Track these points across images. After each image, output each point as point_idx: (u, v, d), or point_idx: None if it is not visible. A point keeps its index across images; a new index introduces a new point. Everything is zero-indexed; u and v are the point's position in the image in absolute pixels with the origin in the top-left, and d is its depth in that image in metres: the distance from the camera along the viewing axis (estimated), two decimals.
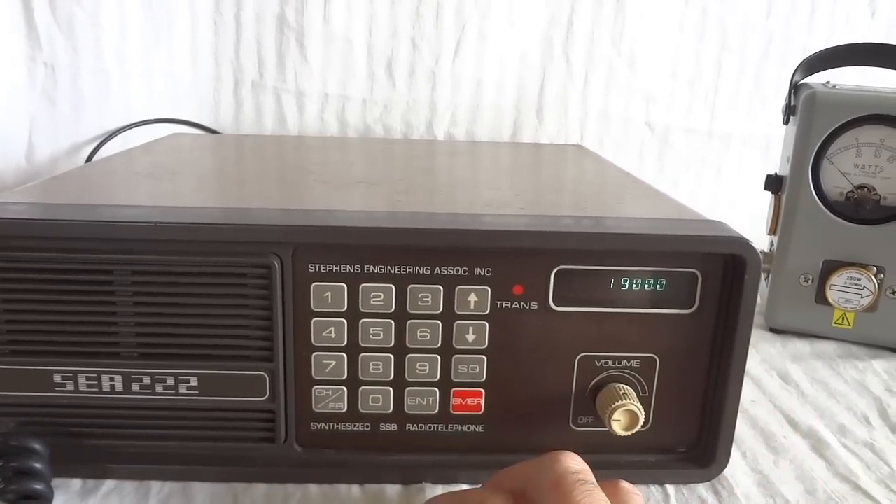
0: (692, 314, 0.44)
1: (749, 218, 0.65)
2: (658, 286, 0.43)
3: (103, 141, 0.89)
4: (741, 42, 0.93)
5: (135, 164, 0.61)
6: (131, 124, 0.89)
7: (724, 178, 0.97)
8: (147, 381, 0.42)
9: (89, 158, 0.88)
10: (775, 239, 0.69)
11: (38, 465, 0.40)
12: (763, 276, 0.70)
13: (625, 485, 0.37)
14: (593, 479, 0.35)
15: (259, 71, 0.91)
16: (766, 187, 0.70)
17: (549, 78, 0.93)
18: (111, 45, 0.87)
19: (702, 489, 0.45)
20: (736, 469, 0.47)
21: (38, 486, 0.40)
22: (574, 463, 0.36)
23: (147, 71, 0.90)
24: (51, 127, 0.89)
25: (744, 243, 0.41)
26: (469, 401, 0.44)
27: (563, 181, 0.66)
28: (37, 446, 0.41)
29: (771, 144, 0.94)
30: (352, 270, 0.42)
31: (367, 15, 0.90)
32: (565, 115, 0.95)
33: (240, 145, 0.79)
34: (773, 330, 0.70)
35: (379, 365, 0.43)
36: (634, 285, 0.43)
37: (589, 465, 0.36)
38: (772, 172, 0.71)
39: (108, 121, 0.89)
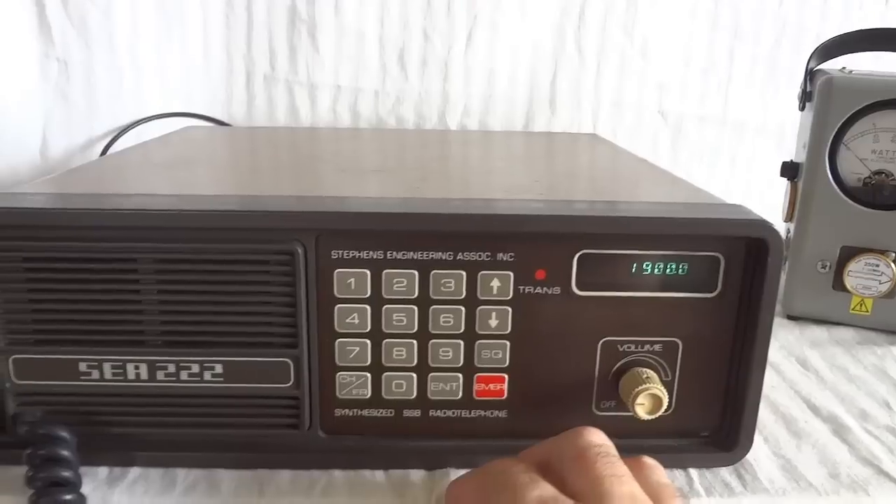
0: (714, 298, 0.43)
1: (763, 206, 0.65)
2: (680, 270, 0.43)
3: (117, 136, 0.89)
4: (754, 29, 0.93)
5: (152, 156, 0.61)
6: (144, 119, 0.89)
7: (737, 166, 0.97)
8: (172, 368, 0.43)
9: (103, 153, 0.88)
10: (791, 226, 0.69)
11: (65, 453, 0.40)
12: None
13: (648, 460, 0.37)
14: (616, 453, 0.35)
15: (271, 64, 0.92)
16: (783, 174, 0.70)
17: (562, 68, 0.93)
18: (124, 40, 0.88)
19: (725, 473, 0.45)
20: (758, 453, 0.47)
21: (67, 473, 0.40)
22: (597, 437, 0.36)
23: (159, 65, 0.90)
24: (65, 122, 0.89)
25: (766, 226, 0.41)
26: (492, 386, 0.44)
27: (582, 168, 0.66)
28: (64, 434, 0.41)
29: (785, 132, 0.94)
30: (375, 256, 0.42)
31: (378, 6, 0.90)
32: (578, 104, 0.94)
33: (255, 137, 0.79)
34: (790, 317, 0.70)
35: (402, 351, 0.43)
36: (657, 269, 0.43)
37: None
38: (787, 159, 0.70)
39: (121, 116, 0.90)
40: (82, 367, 0.42)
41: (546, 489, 0.34)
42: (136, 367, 0.42)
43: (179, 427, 0.44)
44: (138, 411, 0.43)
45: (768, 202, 0.73)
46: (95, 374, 0.42)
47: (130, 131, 0.89)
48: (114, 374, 0.43)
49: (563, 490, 0.34)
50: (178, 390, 0.43)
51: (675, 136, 0.97)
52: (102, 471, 0.43)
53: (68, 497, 0.39)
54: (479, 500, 0.36)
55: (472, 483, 0.38)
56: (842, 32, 0.69)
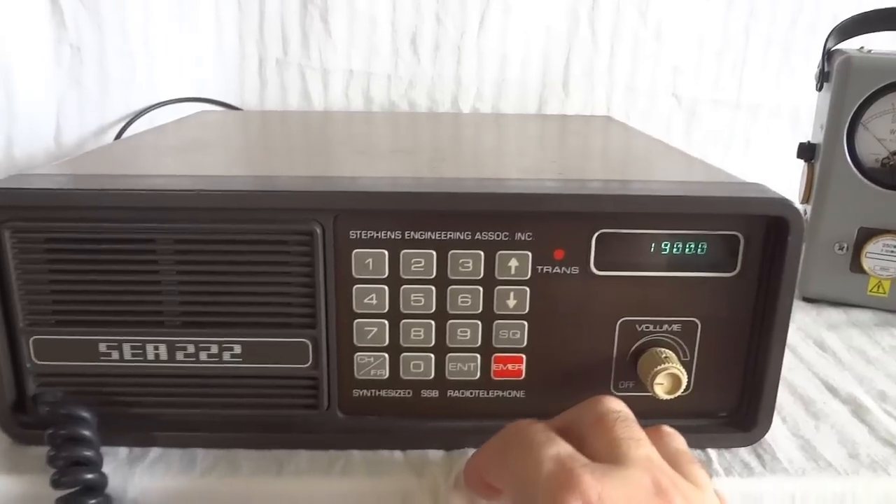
0: (734, 277, 0.43)
1: (778, 188, 0.64)
2: (699, 249, 0.43)
3: (130, 121, 0.89)
4: (769, 10, 0.92)
5: (168, 139, 0.61)
6: (158, 104, 0.89)
7: (752, 149, 0.96)
8: (191, 349, 0.43)
9: (117, 138, 0.88)
10: (808, 208, 0.69)
11: (86, 433, 0.41)
12: None
13: (667, 428, 0.37)
14: (634, 419, 0.35)
15: (283, 48, 0.91)
16: (799, 155, 0.70)
17: (575, 51, 0.93)
18: (136, 25, 0.88)
19: (744, 453, 0.45)
20: (777, 433, 0.47)
21: (88, 453, 0.40)
22: (616, 404, 0.36)
23: (172, 51, 0.90)
24: (78, 108, 0.89)
25: (787, 204, 0.41)
26: (510, 366, 0.44)
27: (597, 149, 0.66)
28: (84, 414, 0.42)
29: (800, 114, 0.93)
30: (392, 237, 0.42)
31: None
32: (591, 88, 0.94)
33: (270, 120, 0.79)
34: (806, 299, 0.69)
35: (420, 331, 0.43)
36: (675, 249, 0.43)
37: None
38: (804, 141, 0.70)
39: (134, 101, 0.90)
40: (102, 347, 0.43)
41: (563, 447, 0.34)
42: (156, 348, 0.43)
43: (198, 407, 0.44)
44: (158, 391, 0.44)
45: (784, 184, 0.72)
46: (115, 354, 0.43)
47: (143, 117, 0.89)
48: (133, 355, 0.43)
49: (581, 451, 0.34)
50: (197, 371, 0.43)
51: (689, 119, 0.96)
52: (122, 451, 0.44)
53: (90, 476, 0.40)
54: (497, 461, 0.37)
55: (490, 447, 0.38)
56: (859, 12, 0.69)
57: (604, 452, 0.33)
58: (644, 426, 0.36)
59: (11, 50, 0.84)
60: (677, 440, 0.37)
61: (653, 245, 0.43)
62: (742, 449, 0.45)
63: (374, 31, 0.91)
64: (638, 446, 0.33)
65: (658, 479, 0.32)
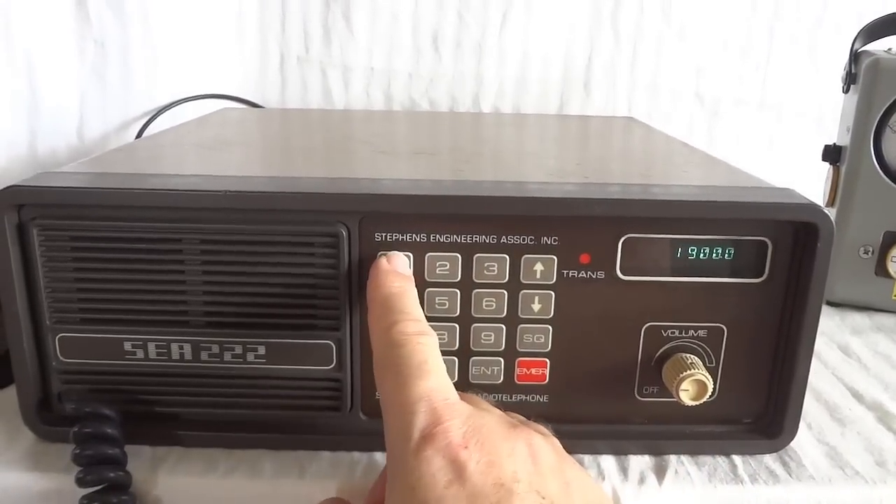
0: (761, 283, 0.43)
1: (801, 191, 0.64)
2: (727, 255, 0.42)
3: (153, 117, 0.89)
4: (794, 10, 0.90)
5: (191, 137, 0.61)
6: (180, 100, 0.90)
7: (775, 150, 0.95)
8: (215, 349, 0.43)
9: (139, 134, 0.89)
10: (833, 211, 0.68)
11: (111, 431, 0.41)
12: None
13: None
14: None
15: (305, 46, 0.91)
16: (824, 158, 0.69)
17: (597, 50, 0.92)
18: (159, 22, 0.88)
19: (769, 460, 0.45)
20: (802, 440, 0.46)
21: (113, 451, 0.40)
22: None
23: (194, 47, 0.90)
24: (101, 104, 0.89)
25: (817, 210, 0.41)
26: (534, 371, 0.44)
27: (622, 151, 0.65)
28: (109, 412, 0.42)
29: (824, 115, 0.92)
30: (418, 239, 0.42)
31: None
32: (613, 87, 0.93)
33: (292, 119, 0.79)
34: (830, 303, 0.68)
35: (444, 334, 0.43)
36: (703, 254, 0.42)
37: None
38: (829, 143, 0.69)
39: (157, 97, 0.90)
40: (127, 346, 0.43)
41: (437, 379, 0.34)
42: (181, 347, 0.43)
43: (222, 407, 0.44)
44: (182, 391, 0.44)
45: (808, 187, 0.72)
46: (140, 353, 0.43)
47: (165, 113, 0.89)
48: (158, 354, 0.43)
49: None
50: (221, 371, 0.43)
51: (712, 120, 0.95)
52: (146, 450, 0.44)
53: (114, 474, 0.40)
54: (379, 376, 0.37)
55: (377, 357, 0.37)
56: (887, 13, 0.68)
57: None
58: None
59: (36, 45, 0.84)
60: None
61: (679, 250, 0.42)
62: (767, 456, 0.45)
63: (395, 29, 0.91)
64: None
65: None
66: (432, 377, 0.34)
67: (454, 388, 0.34)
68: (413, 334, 0.36)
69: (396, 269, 0.40)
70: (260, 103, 0.93)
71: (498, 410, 0.37)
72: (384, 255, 0.41)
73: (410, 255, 0.42)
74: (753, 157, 0.95)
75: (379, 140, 0.65)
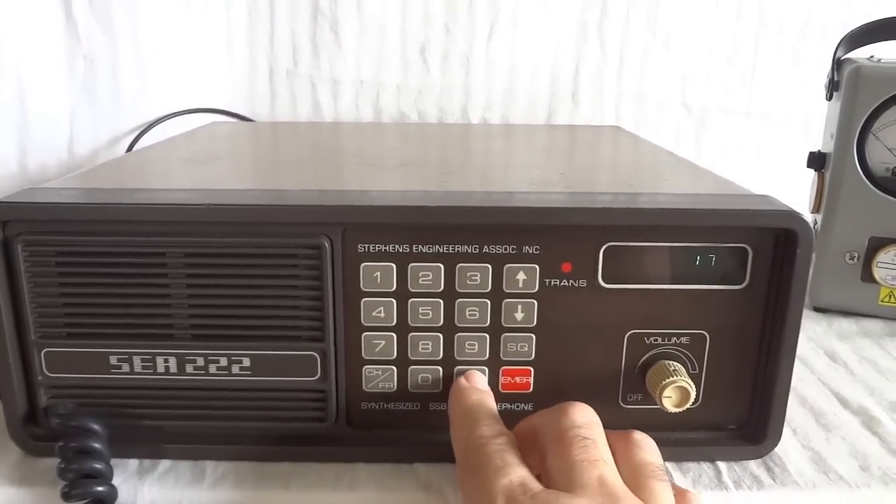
0: (742, 290, 0.43)
1: (788, 198, 0.64)
2: (708, 262, 0.43)
3: (142, 132, 0.90)
4: (779, 19, 0.91)
5: (179, 152, 0.61)
6: (170, 115, 0.90)
7: (762, 158, 0.96)
8: (200, 362, 0.43)
9: (129, 149, 0.89)
10: (819, 217, 0.68)
11: (97, 445, 0.41)
12: None
13: (636, 435, 0.38)
14: (596, 434, 0.36)
15: (294, 59, 0.92)
16: (809, 165, 0.69)
17: (584, 61, 0.93)
18: (148, 37, 0.88)
19: (753, 466, 0.45)
20: (787, 446, 0.46)
21: (98, 465, 0.40)
22: (580, 416, 0.37)
23: (183, 62, 0.90)
24: (91, 119, 0.90)
25: (795, 217, 0.41)
26: (518, 379, 0.44)
27: (606, 160, 0.65)
28: (95, 427, 0.42)
29: (810, 123, 0.93)
30: (400, 250, 0.42)
31: (400, 0, 0.90)
32: (601, 97, 0.94)
33: (280, 132, 0.80)
34: (817, 309, 0.69)
35: (428, 344, 0.43)
36: (683, 262, 0.43)
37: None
38: (813, 150, 0.70)
39: (146, 112, 0.90)
40: (112, 360, 0.43)
41: (516, 475, 0.34)
42: (166, 361, 0.43)
43: (207, 420, 0.44)
44: (167, 404, 0.44)
45: (794, 193, 0.72)
46: (125, 367, 0.43)
47: (155, 127, 0.90)
48: (143, 368, 0.43)
49: (543, 465, 0.36)
50: (206, 383, 0.43)
51: (699, 129, 0.96)
52: (132, 463, 0.44)
53: (100, 489, 0.40)
54: (461, 478, 0.38)
55: (459, 462, 0.38)
56: (869, 21, 0.68)
57: (559, 475, 0.34)
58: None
59: (26, 61, 0.85)
60: (644, 450, 0.37)
61: (661, 258, 0.43)
62: (752, 462, 0.45)
63: (383, 42, 0.91)
64: (591, 468, 0.34)
65: None
66: (511, 473, 0.35)
67: (534, 479, 0.35)
68: (490, 437, 0.37)
69: (476, 386, 0.42)
70: (250, 117, 0.93)
71: (605, 471, 0.35)
72: (462, 375, 0.43)
73: (394, 265, 0.42)
74: (741, 166, 0.96)
75: (366, 152, 0.66)
